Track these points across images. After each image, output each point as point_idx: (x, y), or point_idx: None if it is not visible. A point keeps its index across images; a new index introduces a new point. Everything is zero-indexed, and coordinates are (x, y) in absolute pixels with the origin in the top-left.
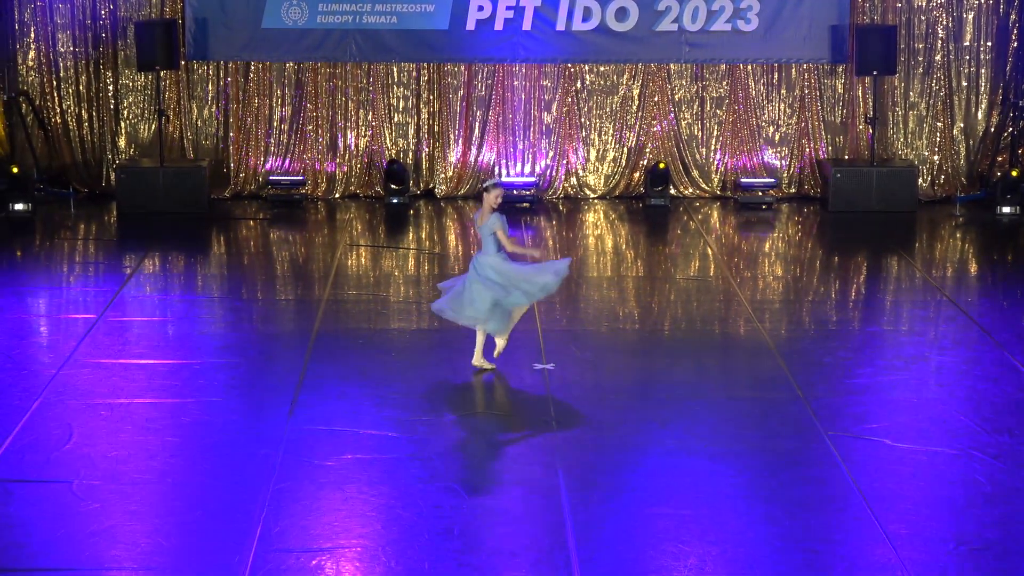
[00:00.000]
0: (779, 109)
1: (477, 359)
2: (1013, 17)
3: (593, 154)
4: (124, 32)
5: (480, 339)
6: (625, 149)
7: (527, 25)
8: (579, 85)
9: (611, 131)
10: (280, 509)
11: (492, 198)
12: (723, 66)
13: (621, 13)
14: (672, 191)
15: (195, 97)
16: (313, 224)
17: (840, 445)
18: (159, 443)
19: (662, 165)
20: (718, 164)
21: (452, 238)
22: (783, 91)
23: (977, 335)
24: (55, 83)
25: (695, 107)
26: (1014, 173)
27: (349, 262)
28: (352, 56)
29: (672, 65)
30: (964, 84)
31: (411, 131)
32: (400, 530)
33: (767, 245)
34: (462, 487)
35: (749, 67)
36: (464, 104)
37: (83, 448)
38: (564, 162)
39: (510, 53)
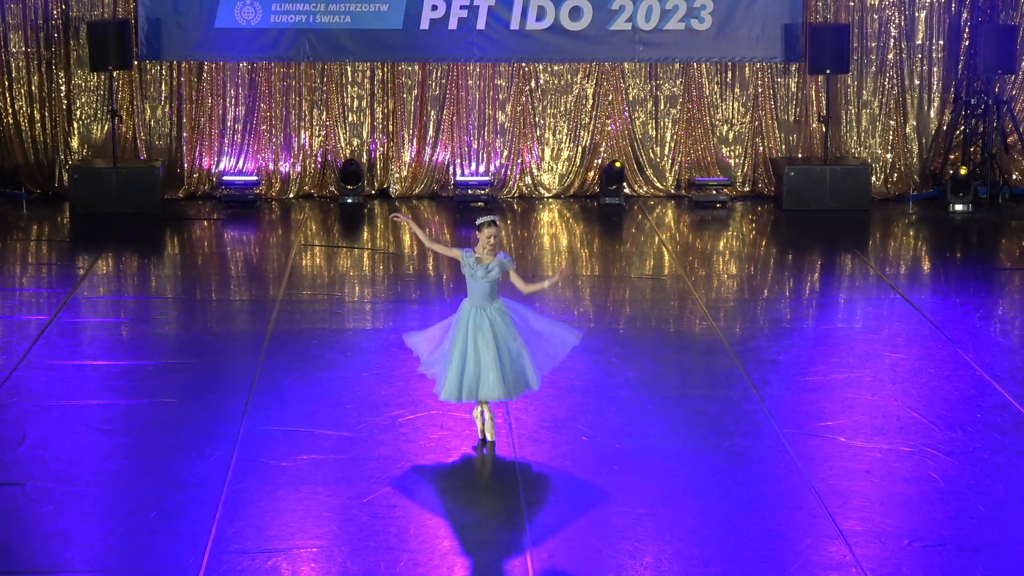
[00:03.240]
0: (733, 108)
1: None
2: (965, 16)
3: (548, 153)
4: (76, 32)
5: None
6: (579, 148)
7: (481, 24)
8: (533, 84)
9: (565, 130)
10: (235, 510)
11: (488, 237)
12: (677, 65)
13: (575, 12)
14: (627, 190)
15: (148, 97)
16: (267, 224)
17: (794, 443)
18: (113, 444)
19: (617, 164)
20: (672, 163)
21: (406, 237)
22: (737, 90)
23: (930, 332)
24: (7, 83)
25: (649, 106)
26: (963, 171)
27: (304, 262)
28: (306, 56)
29: (626, 64)
30: (917, 83)
31: (365, 131)
32: (355, 530)
33: (721, 243)
34: (417, 487)
35: (703, 66)
36: (418, 103)
37: (36, 450)
38: (519, 161)
39: (464, 52)
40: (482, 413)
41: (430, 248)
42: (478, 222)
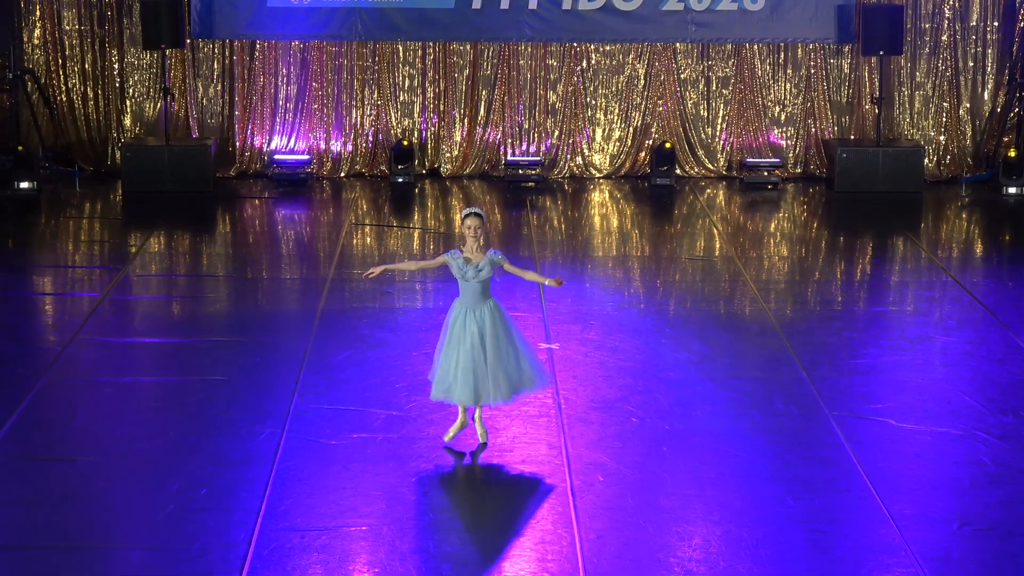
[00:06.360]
0: (785, 89)
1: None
2: None
3: (599, 133)
4: (129, 10)
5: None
6: (631, 128)
7: (533, 4)
8: (585, 64)
9: (617, 110)
10: (285, 488)
11: (468, 228)
12: (729, 45)
13: None
14: (678, 171)
15: (200, 75)
16: (319, 203)
17: (845, 425)
18: (164, 421)
19: (668, 145)
20: (724, 144)
21: (457, 218)
22: (789, 71)
23: (982, 315)
24: (60, 61)
25: (701, 86)
26: (1011, 153)
27: (354, 241)
28: (358, 35)
29: (678, 44)
30: (971, 64)
31: (416, 110)
32: (405, 508)
33: (773, 225)
34: (467, 466)
35: (755, 46)
36: (470, 83)
37: (88, 426)
38: (570, 141)
39: (516, 32)
40: (481, 419)
41: (418, 271)
42: (463, 214)
